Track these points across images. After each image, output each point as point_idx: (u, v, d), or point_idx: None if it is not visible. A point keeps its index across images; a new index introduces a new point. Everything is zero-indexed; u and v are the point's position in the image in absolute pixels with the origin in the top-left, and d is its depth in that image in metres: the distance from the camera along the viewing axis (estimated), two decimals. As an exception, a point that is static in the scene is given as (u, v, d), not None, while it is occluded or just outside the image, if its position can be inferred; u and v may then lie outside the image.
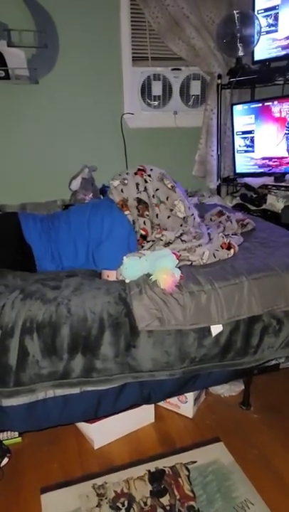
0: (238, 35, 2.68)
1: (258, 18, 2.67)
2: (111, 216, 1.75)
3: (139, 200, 1.76)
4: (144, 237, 1.76)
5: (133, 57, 3.05)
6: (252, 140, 2.84)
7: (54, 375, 1.38)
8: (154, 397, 1.57)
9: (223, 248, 1.71)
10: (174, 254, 1.53)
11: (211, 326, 1.45)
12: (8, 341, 1.34)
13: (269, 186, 2.73)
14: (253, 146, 2.85)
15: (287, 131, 2.55)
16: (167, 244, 1.69)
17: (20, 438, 1.81)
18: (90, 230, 1.75)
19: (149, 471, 1.63)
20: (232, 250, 1.72)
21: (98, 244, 1.73)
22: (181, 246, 1.68)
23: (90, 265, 1.77)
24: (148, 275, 1.50)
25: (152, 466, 1.65)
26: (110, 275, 1.66)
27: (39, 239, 1.74)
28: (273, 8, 2.64)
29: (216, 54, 2.96)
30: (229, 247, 1.72)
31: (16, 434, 1.80)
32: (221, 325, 1.46)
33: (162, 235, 1.70)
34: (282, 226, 2.27)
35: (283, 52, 2.65)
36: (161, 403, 1.98)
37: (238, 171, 3.02)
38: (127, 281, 1.53)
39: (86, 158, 2.91)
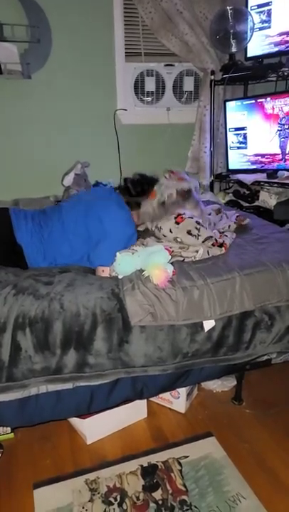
0: (231, 31, 2.69)
1: (251, 15, 2.68)
2: (111, 216, 1.73)
3: None
4: None
5: (126, 52, 3.04)
6: (245, 136, 2.84)
7: (47, 371, 1.38)
8: (146, 392, 1.57)
9: (214, 246, 1.72)
10: (167, 249, 1.53)
11: (204, 322, 1.46)
12: (0, 337, 1.34)
13: (262, 183, 2.74)
14: (245, 143, 2.86)
15: (279, 128, 2.56)
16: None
17: (12, 433, 1.81)
18: (90, 230, 1.73)
19: (141, 465, 1.64)
20: (223, 248, 1.73)
21: (96, 243, 1.72)
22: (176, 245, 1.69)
23: (84, 263, 1.76)
24: (141, 271, 1.50)
25: (145, 461, 1.66)
26: (105, 270, 1.66)
27: (30, 239, 1.72)
28: (266, 4, 2.64)
29: (209, 50, 2.96)
30: (221, 244, 1.73)
31: (9, 429, 1.79)
32: (213, 320, 1.47)
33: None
34: (274, 222, 2.29)
35: (276, 49, 2.65)
36: (153, 398, 1.99)
37: (230, 167, 3.02)
38: (120, 276, 1.53)
39: (79, 153, 2.90)
